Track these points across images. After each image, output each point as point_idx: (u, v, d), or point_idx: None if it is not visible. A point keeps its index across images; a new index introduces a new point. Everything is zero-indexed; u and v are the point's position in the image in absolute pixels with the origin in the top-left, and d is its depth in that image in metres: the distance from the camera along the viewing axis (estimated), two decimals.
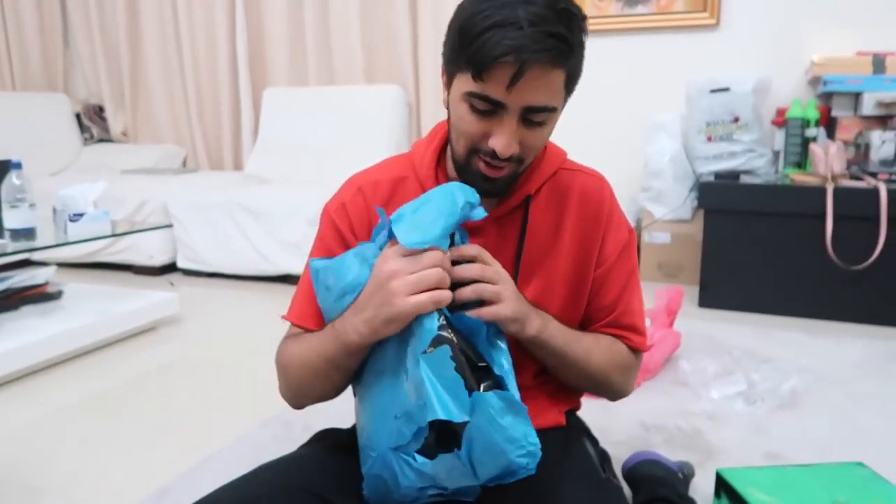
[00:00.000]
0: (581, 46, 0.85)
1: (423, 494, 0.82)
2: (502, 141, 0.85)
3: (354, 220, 1.01)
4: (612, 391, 1.05)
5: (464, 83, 0.85)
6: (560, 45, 0.80)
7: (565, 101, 0.90)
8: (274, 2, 3.80)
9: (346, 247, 1.00)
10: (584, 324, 1.05)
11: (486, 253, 0.88)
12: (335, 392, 0.96)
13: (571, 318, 1.03)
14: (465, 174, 0.92)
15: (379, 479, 0.85)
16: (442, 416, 0.73)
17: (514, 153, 0.86)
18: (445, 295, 0.80)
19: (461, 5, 0.85)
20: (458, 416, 0.74)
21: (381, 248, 0.86)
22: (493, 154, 0.86)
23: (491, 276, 0.85)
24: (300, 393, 0.99)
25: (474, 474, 0.77)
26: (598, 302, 1.02)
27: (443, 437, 0.78)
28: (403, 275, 0.79)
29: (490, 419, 0.74)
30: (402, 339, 0.82)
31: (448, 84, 0.90)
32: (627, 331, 1.03)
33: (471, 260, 0.85)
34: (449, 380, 0.75)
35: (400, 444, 0.79)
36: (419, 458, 0.78)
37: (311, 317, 0.99)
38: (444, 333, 0.80)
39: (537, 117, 0.85)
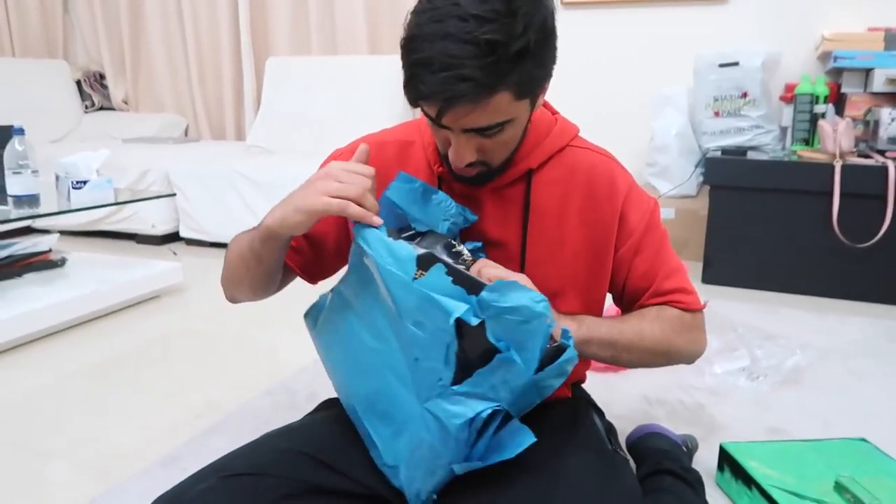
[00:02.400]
0: (527, 58, 0.78)
1: (481, 431, 0.80)
2: (453, 156, 0.86)
3: None
4: (684, 356, 1.02)
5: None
6: (474, 87, 0.76)
7: (532, 102, 0.86)
8: None
9: None
10: (629, 302, 1.04)
11: (504, 273, 0.86)
12: (250, 286, 1.01)
13: (594, 298, 1.02)
14: (447, 165, 0.92)
15: (418, 456, 0.83)
16: (460, 313, 0.75)
17: (472, 160, 0.86)
18: (353, 209, 0.82)
19: (409, 14, 0.82)
20: (473, 318, 0.75)
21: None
22: None
23: (503, 275, 0.85)
24: (228, 280, 1.05)
25: (522, 364, 0.76)
26: (634, 273, 1.01)
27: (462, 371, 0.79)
28: (331, 179, 0.84)
29: (497, 310, 0.75)
30: (386, 302, 0.83)
31: None
32: (674, 294, 1.01)
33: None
34: (451, 292, 0.77)
35: (438, 382, 0.79)
36: (462, 385, 0.78)
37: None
38: (428, 253, 0.83)
39: (488, 132, 0.83)
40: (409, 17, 0.81)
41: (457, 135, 0.83)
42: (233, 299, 1.07)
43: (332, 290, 0.94)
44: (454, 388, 0.78)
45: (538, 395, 0.82)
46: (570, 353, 0.78)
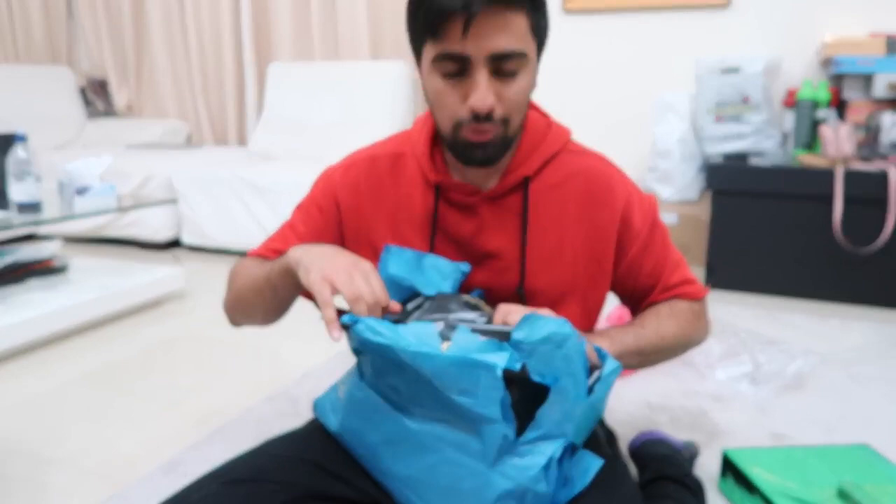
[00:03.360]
0: None
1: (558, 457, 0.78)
2: (477, 95, 0.83)
3: (340, 192, 1.02)
4: (696, 343, 1.09)
5: (428, 51, 0.85)
6: None
7: (539, 51, 0.89)
8: None
9: (323, 217, 1.03)
10: (637, 300, 1.07)
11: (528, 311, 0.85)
12: (265, 316, 1.01)
13: (593, 303, 1.03)
14: (455, 148, 0.91)
15: None
16: (504, 363, 0.73)
17: (493, 108, 0.85)
18: (362, 306, 0.80)
19: None
20: (516, 363, 0.75)
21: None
22: (475, 117, 0.85)
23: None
24: (236, 307, 1.03)
25: (574, 389, 0.76)
26: (643, 272, 1.03)
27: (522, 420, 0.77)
28: (360, 276, 0.81)
29: (531, 345, 0.75)
30: (419, 385, 0.79)
31: (419, 63, 0.89)
32: (681, 286, 1.05)
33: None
34: (483, 347, 0.75)
35: (504, 441, 0.76)
36: (527, 433, 0.76)
37: (275, 252, 1.02)
38: (444, 324, 0.82)
39: (507, 65, 0.84)
40: None
41: (479, 71, 0.83)
42: (236, 324, 1.07)
43: (343, 386, 0.92)
44: (521, 439, 0.76)
45: (595, 417, 0.81)
46: (611, 363, 0.79)
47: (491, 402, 0.74)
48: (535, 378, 0.75)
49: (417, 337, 0.76)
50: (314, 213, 1.03)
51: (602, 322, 1.12)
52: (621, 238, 1.00)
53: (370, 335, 0.77)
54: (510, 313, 0.84)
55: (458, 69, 0.84)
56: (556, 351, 0.74)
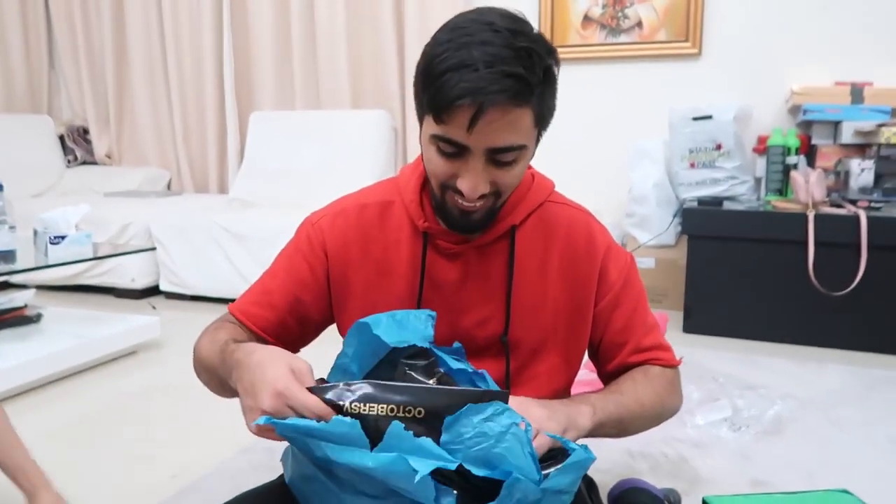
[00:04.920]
0: (547, 83, 0.83)
1: None
2: (469, 184, 0.84)
3: (329, 240, 1.01)
4: (671, 413, 1.04)
5: (429, 126, 0.85)
6: (517, 84, 0.78)
7: (538, 138, 0.89)
8: (261, 25, 3.81)
9: (310, 268, 1.00)
10: (605, 358, 1.04)
11: (490, 388, 0.84)
12: (226, 396, 0.95)
13: (574, 354, 1.02)
14: (442, 211, 0.91)
15: None
16: (426, 471, 0.68)
17: (484, 192, 0.85)
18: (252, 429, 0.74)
19: (425, 49, 0.84)
20: (449, 464, 0.70)
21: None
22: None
23: None
24: (198, 377, 0.99)
25: (525, 478, 0.71)
26: (612, 328, 1.01)
27: None
28: (283, 403, 0.73)
29: (466, 445, 0.71)
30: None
31: (420, 124, 0.90)
32: (654, 351, 1.02)
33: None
34: (419, 444, 0.70)
35: None
36: None
37: (252, 317, 0.99)
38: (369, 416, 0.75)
39: (505, 157, 0.84)
40: (428, 46, 0.83)
41: (475, 160, 0.83)
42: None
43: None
44: None
45: None
46: (579, 454, 0.74)
47: (428, 500, 0.70)
48: (479, 474, 0.71)
49: (342, 435, 0.71)
50: (299, 263, 1.01)
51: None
52: (598, 288, 1.00)
53: (298, 436, 0.73)
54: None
55: (454, 152, 0.84)
56: (494, 443, 0.71)
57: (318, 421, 0.72)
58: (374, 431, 0.71)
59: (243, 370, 0.78)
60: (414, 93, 0.88)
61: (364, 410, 0.74)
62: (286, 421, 0.72)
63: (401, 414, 0.74)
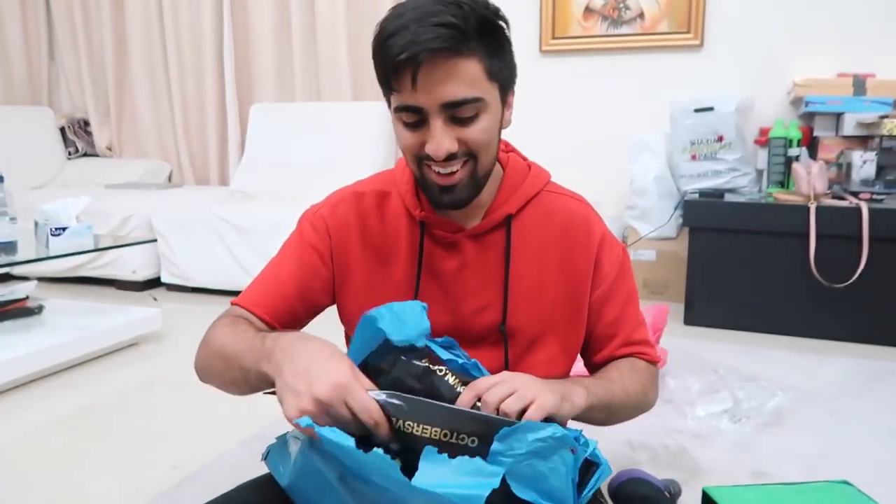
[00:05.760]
0: (489, 35, 0.84)
1: None
2: (432, 144, 0.85)
3: (331, 225, 1.01)
4: (648, 407, 1.07)
5: (392, 101, 0.88)
6: (447, 31, 0.80)
7: (503, 94, 0.89)
8: (262, 17, 3.80)
9: (318, 254, 1.01)
10: (594, 349, 1.05)
11: (484, 375, 0.84)
12: (238, 393, 0.94)
13: (572, 344, 1.02)
14: (425, 189, 0.92)
15: None
16: (483, 495, 0.67)
17: (452, 151, 0.85)
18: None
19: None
20: (494, 486, 0.68)
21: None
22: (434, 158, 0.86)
23: (504, 390, 0.77)
24: (207, 374, 0.96)
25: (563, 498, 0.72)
26: (603, 320, 1.02)
27: None
28: (341, 397, 0.72)
29: (515, 459, 0.71)
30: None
31: (389, 109, 0.91)
32: (641, 345, 1.04)
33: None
34: (454, 469, 0.69)
35: None
36: None
37: (261, 305, 0.98)
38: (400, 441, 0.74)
39: (462, 112, 0.84)
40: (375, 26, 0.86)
41: (434, 118, 0.84)
42: (205, 382, 0.99)
43: (295, 445, 0.84)
44: None
45: None
46: (604, 468, 0.74)
47: None
48: (519, 494, 0.71)
49: (380, 472, 0.69)
50: (306, 251, 1.01)
51: None
52: (592, 278, 1.00)
53: (334, 449, 0.71)
54: (492, 389, 0.78)
55: (416, 119, 0.85)
56: (542, 462, 0.71)
57: (373, 424, 0.72)
58: (412, 452, 0.72)
59: (293, 353, 0.77)
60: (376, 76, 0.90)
61: (416, 431, 0.74)
62: (332, 432, 0.69)
63: (453, 441, 0.74)
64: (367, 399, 0.73)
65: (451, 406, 0.76)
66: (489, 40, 0.84)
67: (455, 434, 0.74)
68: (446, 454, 0.70)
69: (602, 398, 0.91)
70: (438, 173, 0.87)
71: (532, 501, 0.71)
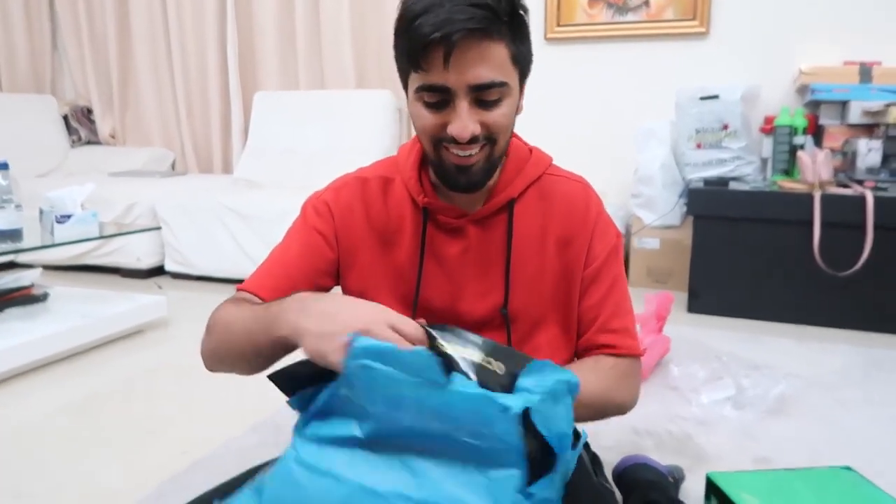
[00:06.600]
0: (517, 22, 0.85)
1: None
2: (458, 125, 0.85)
3: (335, 209, 1.02)
4: (619, 408, 0.99)
5: (412, 81, 0.87)
6: (484, 13, 0.80)
7: (521, 80, 0.90)
8: (265, 5, 3.79)
9: (322, 237, 1.01)
10: (577, 333, 1.03)
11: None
12: (250, 371, 0.93)
13: (572, 324, 1.02)
14: (440, 171, 0.92)
15: None
16: (518, 408, 0.69)
17: (476, 133, 0.86)
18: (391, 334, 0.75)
19: (399, 7, 0.86)
20: (521, 404, 0.70)
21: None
22: (456, 140, 0.86)
23: None
24: (216, 357, 0.95)
25: (567, 446, 0.74)
26: (586, 301, 1.01)
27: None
28: (385, 320, 0.74)
29: (540, 397, 0.72)
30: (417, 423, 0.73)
31: (405, 90, 0.91)
32: (619, 334, 1.00)
33: None
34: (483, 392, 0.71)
35: (515, 490, 0.71)
36: (535, 487, 0.71)
37: (265, 288, 0.98)
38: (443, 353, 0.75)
39: (488, 95, 0.85)
40: (401, 3, 0.85)
41: (460, 101, 0.84)
42: (214, 371, 0.98)
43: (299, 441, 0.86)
44: (529, 490, 0.71)
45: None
46: (583, 437, 0.78)
47: (506, 449, 0.70)
48: (542, 430, 0.71)
49: (421, 368, 0.71)
50: (311, 235, 1.02)
51: None
52: (586, 256, 1.00)
53: (370, 361, 0.72)
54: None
55: (440, 99, 0.85)
56: (554, 406, 0.72)
57: (419, 342, 0.74)
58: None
59: (311, 307, 0.78)
60: (394, 55, 0.89)
61: (454, 352, 0.76)
62: (379, 343, 0.72)
63: (486, 365, 0.76)
64: (410, 322, 0.76)
65: (485, 338, 0.79)
66: (516, 25, 0.85)
67: (489, 361, 0.76)
68: (477, 381, 0.73)
69: None
70: (457, 155, 0.88)
71: (549, 441, 0.72)
